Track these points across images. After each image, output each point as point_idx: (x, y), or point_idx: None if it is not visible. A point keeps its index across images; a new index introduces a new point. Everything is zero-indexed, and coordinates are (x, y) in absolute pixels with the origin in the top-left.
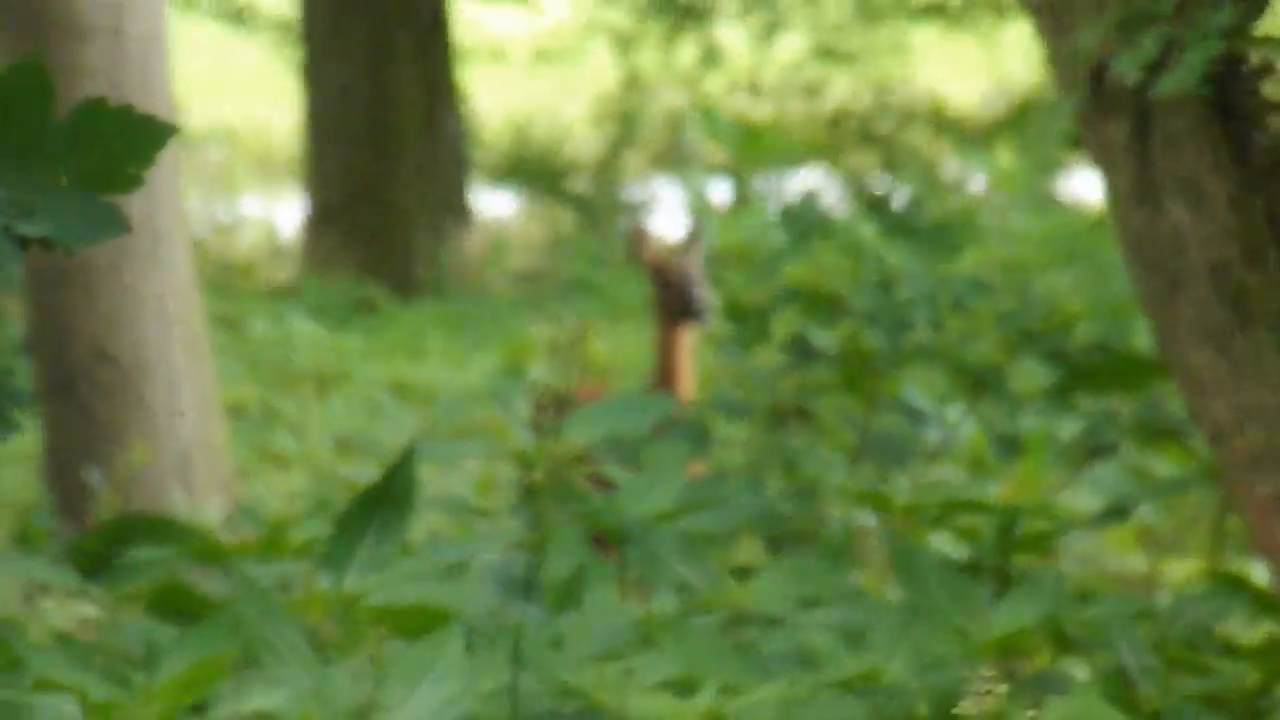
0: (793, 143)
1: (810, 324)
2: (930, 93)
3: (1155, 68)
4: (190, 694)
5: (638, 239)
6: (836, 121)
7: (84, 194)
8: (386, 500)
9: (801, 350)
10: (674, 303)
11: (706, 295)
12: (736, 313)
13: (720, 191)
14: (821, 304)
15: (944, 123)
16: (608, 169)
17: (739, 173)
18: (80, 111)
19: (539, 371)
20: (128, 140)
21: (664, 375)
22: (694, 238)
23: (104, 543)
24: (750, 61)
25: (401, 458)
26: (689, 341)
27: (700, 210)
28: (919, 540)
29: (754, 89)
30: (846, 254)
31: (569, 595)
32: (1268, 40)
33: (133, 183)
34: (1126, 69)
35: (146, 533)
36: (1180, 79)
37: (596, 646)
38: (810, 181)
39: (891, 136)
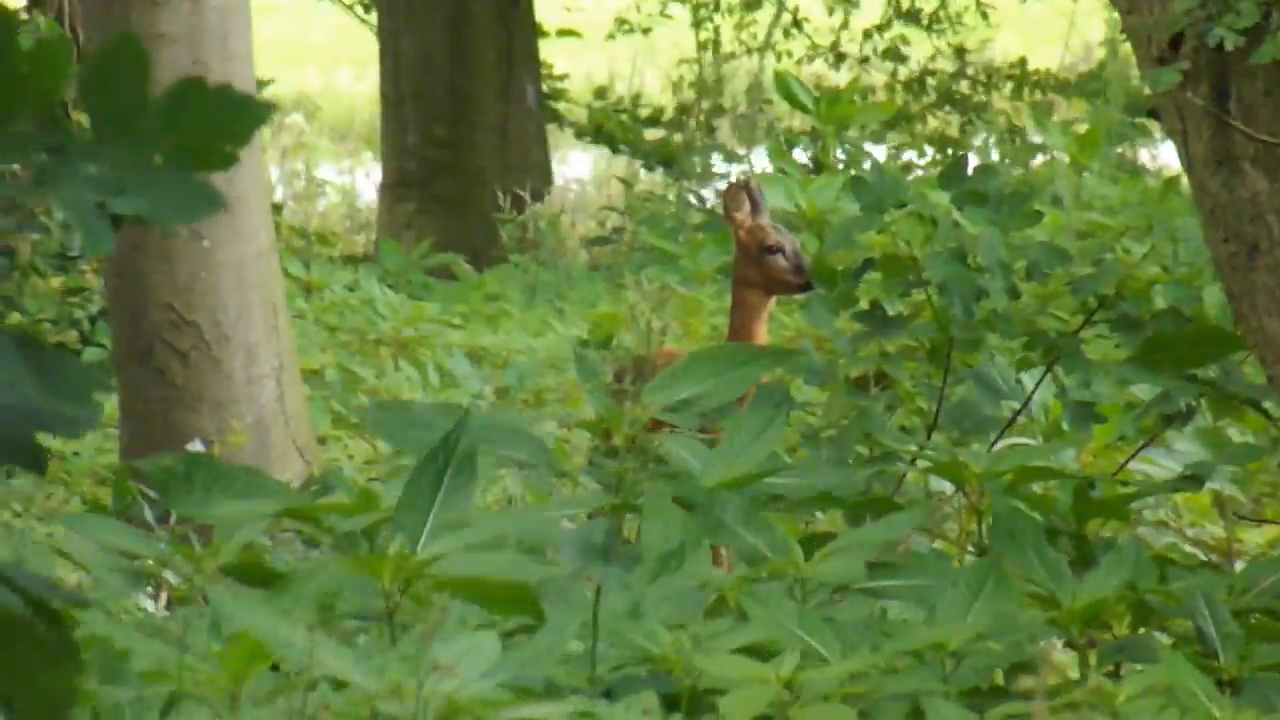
0: (871, 107)
1: (886, 291)
2: (1010, 55)
3: (1253, 35)
4: (264, 658)
5: (732, 199)
6: (916, 83)
7: (178, 172)
8: (450, 465)
9: (878, 318)
10: (782, 269)
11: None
12: (825, 276)
13: (800, 157)
14: (897, 271)
15: (1025, 78)
16: (686, 133)
17: (818, 138)
18: (176, 89)
19: (623, 338)
20: (224, 119)
21: (740, 342)
22: (756, 204)
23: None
24: (829, 27)
25: (456, 426)
26: (767, 308)
27: (775, 175)
28: (1016, 508)
29: (833, 54)
30: (921, 222)
31: (667, 563)
32: None
33: (228, 161)
34: (1225, 35)
35: (234, 485)
36: (1277, 48)
37: (674, 612)
38: (887, 149)
39: (970, 99)
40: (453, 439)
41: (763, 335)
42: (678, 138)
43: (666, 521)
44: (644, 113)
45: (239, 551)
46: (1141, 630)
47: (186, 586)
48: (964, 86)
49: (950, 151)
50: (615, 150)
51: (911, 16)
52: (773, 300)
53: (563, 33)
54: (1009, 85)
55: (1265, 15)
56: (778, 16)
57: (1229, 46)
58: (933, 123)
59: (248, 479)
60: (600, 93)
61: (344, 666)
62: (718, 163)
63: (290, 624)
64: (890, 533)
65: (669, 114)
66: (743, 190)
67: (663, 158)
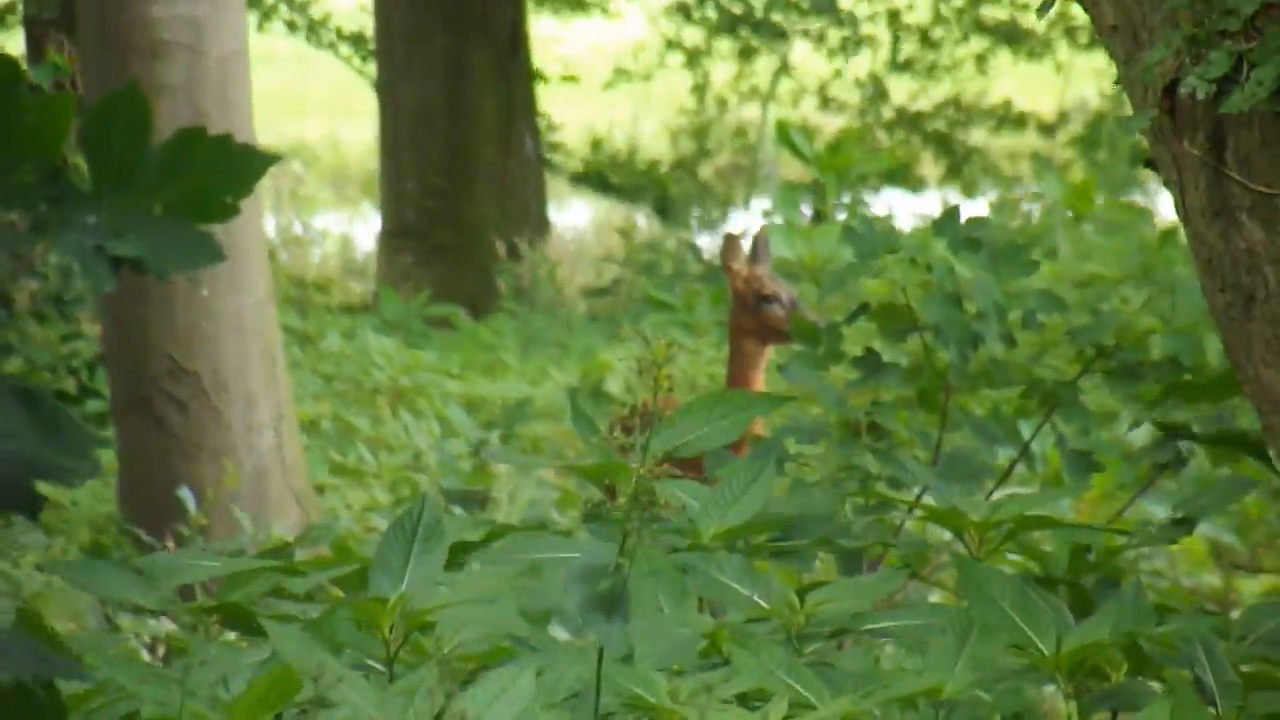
0: (871, 157)
1: (881, 338)
2: (1004, 99)
3: (1225, 84)
4: (266, 709)
5: (730, 249)
6: (908, 122)
7: (178, 221)
8: (418, 535)
9: (873, 365)
10: (779, 319)
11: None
12: (806, 333)
13: (795, 206)
14: (892, 318)
15: (1010, 118)
16: (682, 182)
17: (817, 187)
18: (177, 139)
19: (618, 389)
20: (225, 169)
21: (739, 389)
22: (759, 255)
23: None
24: (824, 75)
25: (419, 504)
26: (765, 357)
27: (778, 225)
28: (993, 558)
29: (825, 100)
30: (916, 268)
31: (650, 612)
32: None
33: (229, 212)
34: (1197, 85)
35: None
36: (1250, 95)
37: (667, 659)
38: (886, 199)
39: (951, 138)
40: (417, 510)
41: (760, 385)
42: (675, 189)
43: (658, 572)
44: (640, 164)
45: (240, 602)
46: (1140, 679)
47: (186, 636)
48: (942, 125)
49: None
50: (611, 195)
51: (906, 68)
52: (770, 350)
53: (564, 79)
54: (992, 123)
55: (1236, 65)
56: (779, 72)
57: (1200, 96)
58: (928, 170)
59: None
60: (597, 144)
61: (368, 702)
62: (717, 214)
63: (320, 653)
64: (886, 583)
65: (665, 166)
66: (739, 240)
67: (659, 205)
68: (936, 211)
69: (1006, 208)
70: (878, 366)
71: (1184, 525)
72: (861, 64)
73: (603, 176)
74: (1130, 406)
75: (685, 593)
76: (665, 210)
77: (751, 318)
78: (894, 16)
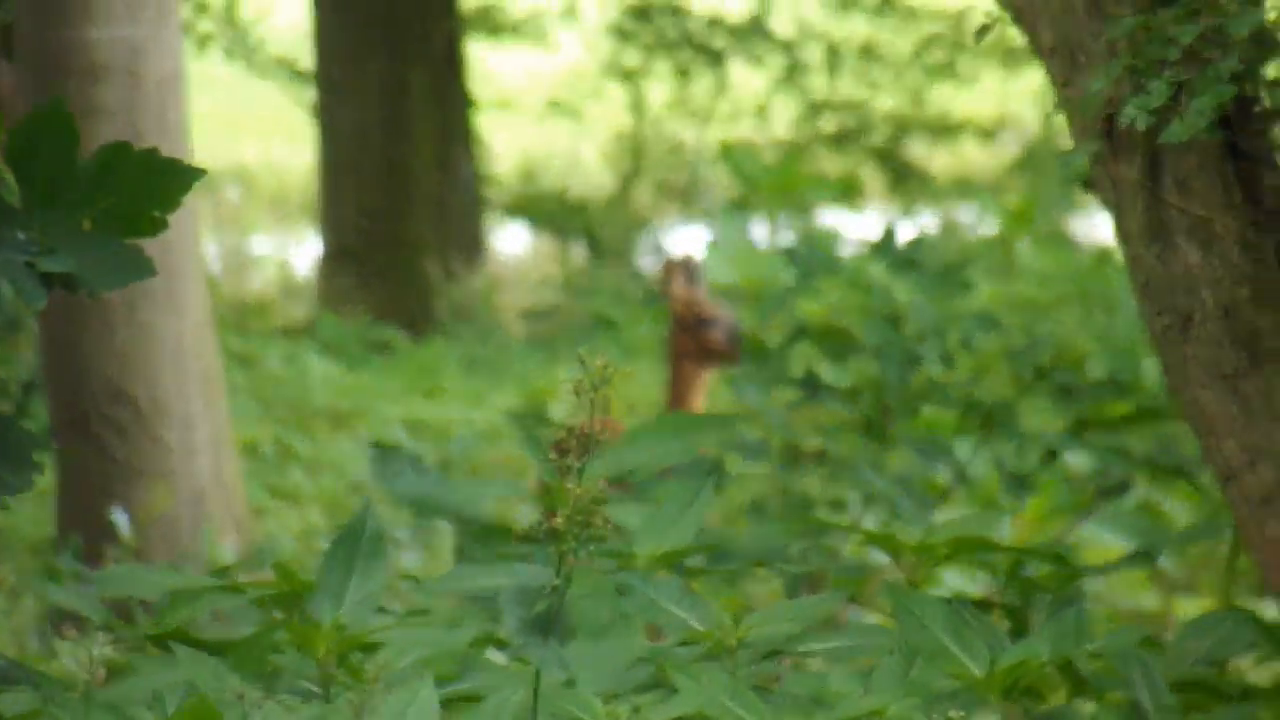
0: (816, 180)
1: (821, 360)
2: (942, 112)
3: (1164, 113)
4: None
5: (669, 273)
6: (848, 139)
7: (108, 238)
8: (359, 549)
9: (813, 387)
10: (717, 342)
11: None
12: (755, 351)
13: (739, 228)
14: (832, 340)
15: (956, 128)
16: (621, 206)
17: (758, 208)
18: (104, 154)
19: (560, 411)
20: (152, 184)
21: (679, 412)
22: (694, 278)
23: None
24: (761, 96)
25: (360, 514)
26: (705, 380)
27: (719, 247)
28: (930, 580)
29: (764, 119)
30: (856, 290)
31: (593, 636)
32: (1278, 82)
33: (157, 227)
34: (1136, 116)
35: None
36: (1190, 124)
37: (608, 684)
38: (827, 220)
39: (904, 159)
40: (359, 522)
41: (700, 407)
42: (610, 214)
43: (596, 595)
44: (573, 200)
45: (178, 623)
46: (1077, 701)
47: (123, 657)
48: (881, 140)
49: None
50: (543, 230)
51: (848, 108)
52: (708, 373)
53: (498, 105)
54: (931, 135)
55: (1175, 95)
56: (719, 91)
57: (1140, 126)
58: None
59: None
60: (529, 177)
61: None
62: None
63: (234, 679)
64: (823, 605)
65: (601, 193)
66: (678, 264)
67: (591, 243)
68: (878, 230)
69: (948, 229)
70: (818, 388)
71: (1142, 559)
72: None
73: (534, 211)
74: (1068, 429)
75: (625, 615)
76: (596, 248)
77: (691, 340)
78: (833, 51)
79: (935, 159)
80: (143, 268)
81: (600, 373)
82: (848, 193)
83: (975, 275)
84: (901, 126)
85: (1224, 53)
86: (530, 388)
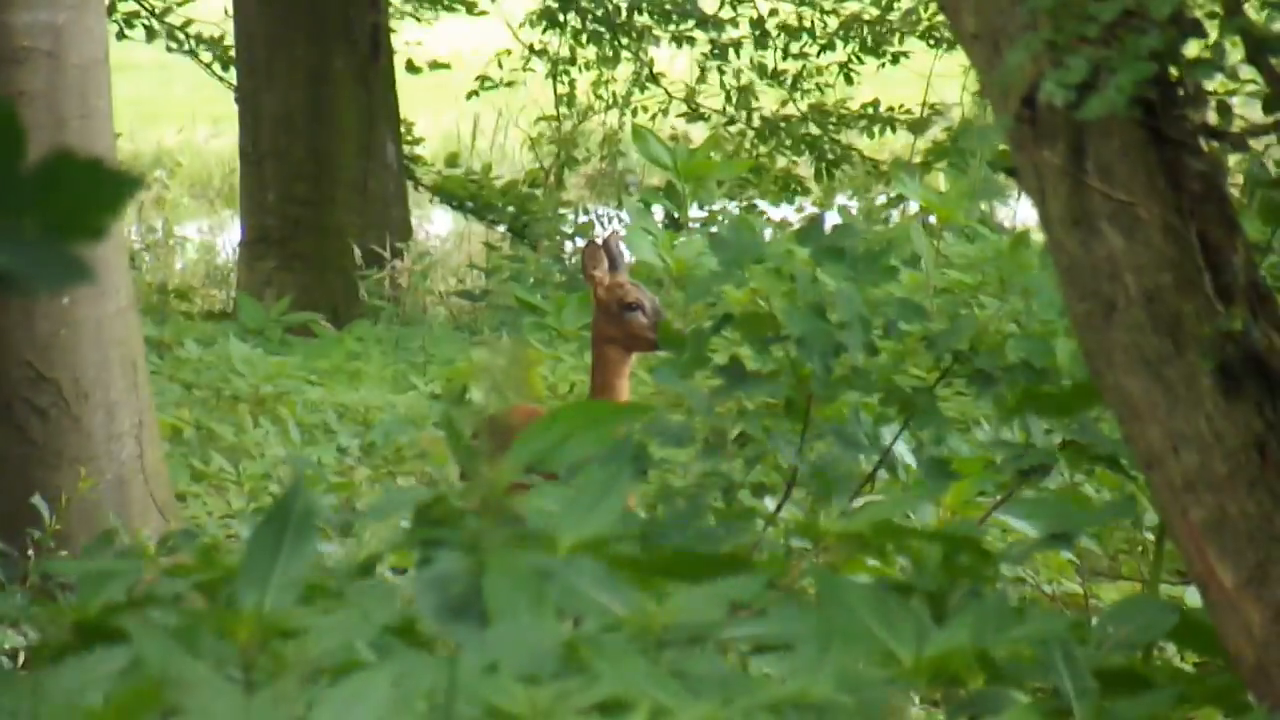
0: (728, 163)
1: (745, 347)
2: (872, 100)
3: (1085, 92)
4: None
5: (591, 257)
6: (769, 130)
7: (50, 240)
8: (290, 521)
9: (737, 374)
10: (642, 326)
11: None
12: (672, 339)
13: (658, 213)
14: (756, 327)
15: (878, 118)
16: (547, 190)
17: (676, 193)
18: (46, 162)
19: (476, 395)
20: (95, 192)
21: (602, 398)
22: (615, 261)
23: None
24: (684, 80)
25: (293, 483)
26: (628, 365)
27: (640, 231)
28: (854, 566)
29: (694, 109)
30: (779, 277)
31: (508, 614)
32: (1199, 62)
33: (97, 234)
34: (1054, 91)
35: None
36: (1108, 101)
37: (527, 668)
38: (744, 204)
39: (822, 140)
40: (290, 499)
41: (625, 392)
42: (534, 201)
43: (512, 578)
44: (498, 183)
45: (100, 609)
46: (1000, 688)
47: (45, 645)
48: (813, 129)
49: (794, 188)
50: (468, 216)
51: (774, 77)
52: (633, 357)
53: (434, 66)
54: (861, 124)
55: (1095, 72)
56: (638, 75)
57: (1058, 102)
58: (781, 161)
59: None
60: (452, 159)
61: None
62: (579, 224)
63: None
64: (743, 588)
65: (522, 184)
66: (601, 248)
67: (515, 227)
68: (802, 217)
69: (871, 213)
70: (742, 375)
71: (1059, 540)
72: (728, 71)
73: (459, 194)
74: (993, 413)
75: (544, 600)
76: (522, 233)
77: (615, 326)
78: (758, 23)
79: (860, 145)
80: (83, 272)
81: (513, 354)
82: (775, 179)
83: (897, 260)
84: (832, 116)
85: (1143, 31)
86: (447, 371)
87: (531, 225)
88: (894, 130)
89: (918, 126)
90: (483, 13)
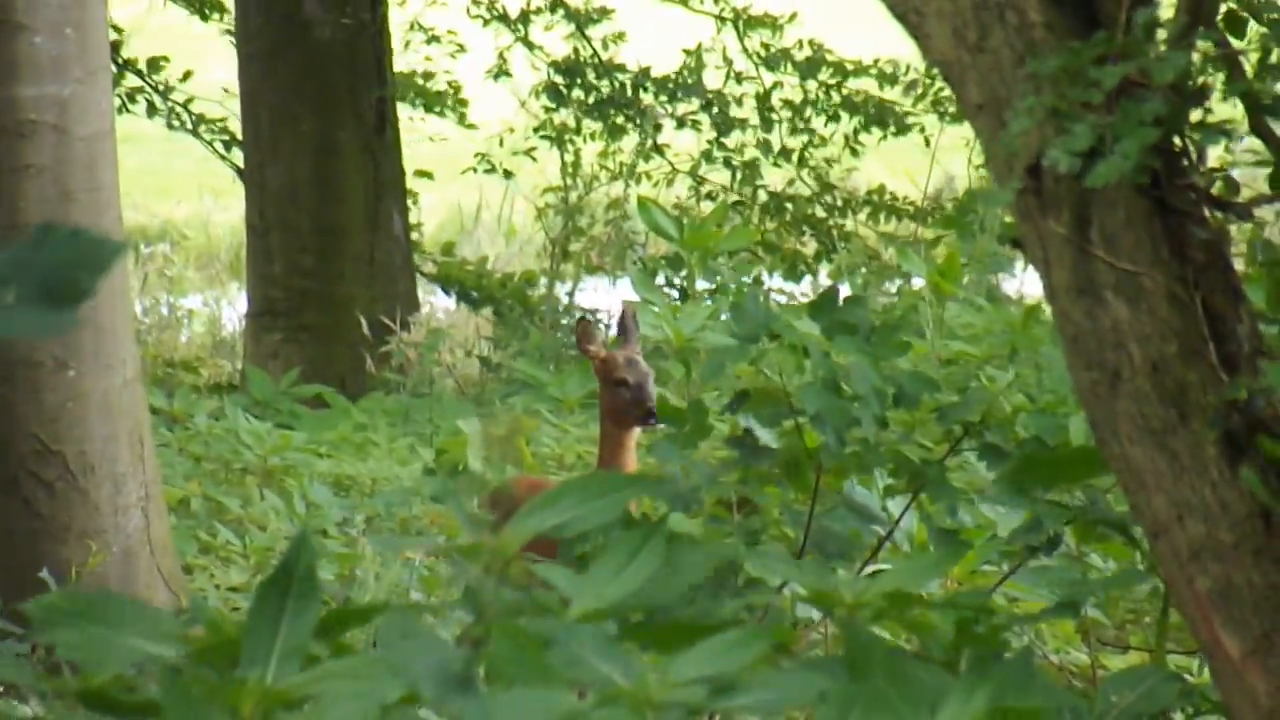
0: (734, 233)
1: (757, 421)
2: (872, 182)
3: (1090, 157)
4: None
5: (584, 333)
6: (774, 206)
7: (30, 306)
8: (291, 589)
9: (748, 448)
10: (627, 403)
11: (654, 395)
12: (671, 414)
13: (663, 285)
14: (769, 404)
15: (883, 205)
16: (550, 266)
17: (681, 265)
18: (36, 237)
19: (474, 465)
20: (79, 261)
21: (609, 469)
22: (628, 333)
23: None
24: (688, 152)
25: (295, 546)
26: (634, 438)
27: (643, 304)
28: (869, 632)
29: (699, 181)
30: (792, 352)
31: (515, 688)
32: (1205, 126)
33: (84, 295)
34: (1060, 158)
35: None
36: (1115, 167)
37: None
38: (757, 279)
39: (826, 223)
40: (292, 561)
41: (630, 464)
42: (531, 297)
43: (517, 646)
44: (496, 274)
45: (106, 681)
46: None
47: (55, 716)
48: (819, 210)
49: (800, 267)
50: (470, 306)
51: (781, 155)
52: (635, 431)
53: (419, 174)
54: (867, 210)
55: (1100, 139)
56: (643, 145)
57: (1063, 169)
58: (788, 243)
59: (121, 608)
60: (448, 249)
61: None
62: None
63: None
64: (754, 646)
65: (517, 277)
66: (592, 323)
67: (513, 316)
68: (810, 294)
69: (871, 286)
70: (754, 448)
71: (1066, 609)
72: (732, 143)
73: (461, 282)
74: (998, 486)
75: (549, 670)
76: (510, 324)
77: (607, 400)
78: (763, 99)
79: (867, 232)
80: (62, 325)
81: (511, 425)
82: (783, 256)
83: (906, 333)
84: (836, 197)
85: (1148, 97)
86: (447, 443)
87: (529, 309)
88: (899, 219)
89: (922, 217)
90: (472, 125)
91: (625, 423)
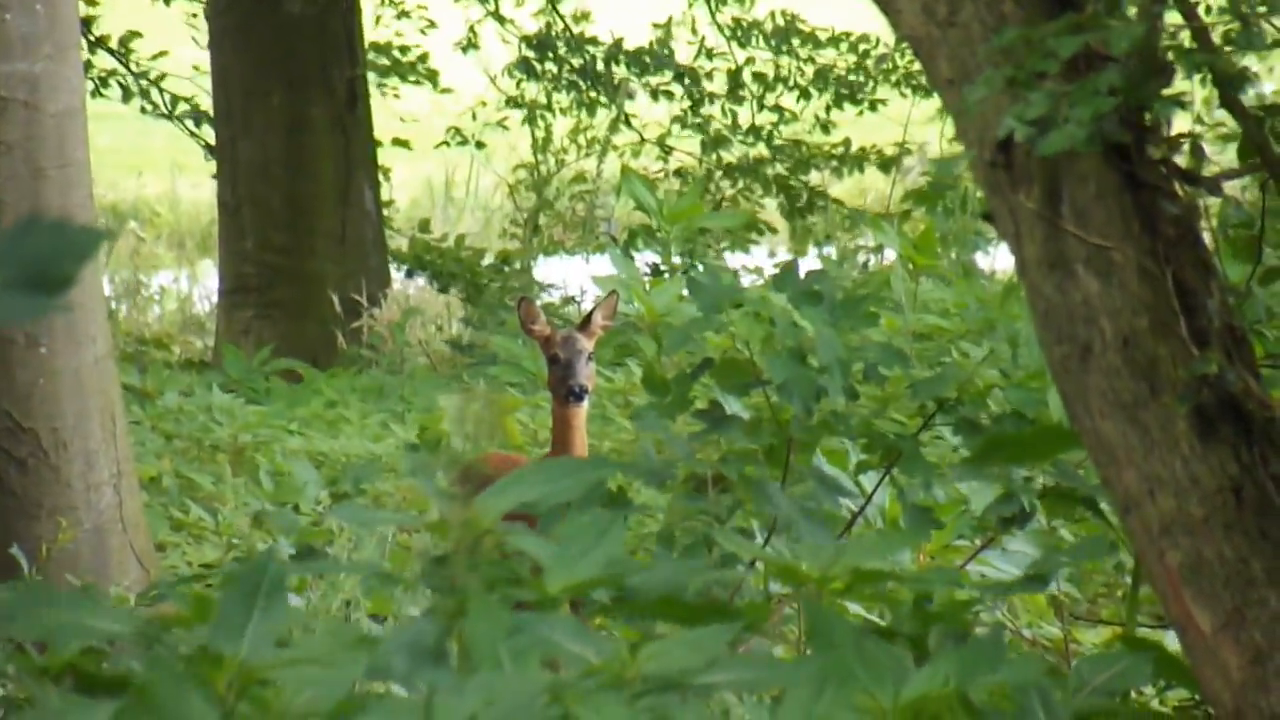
0: (721, 215)
1: (725, 392)
2: (844, 139)
3: (1047, 127)
4: None
5: (526, 313)
6: (749, 170)
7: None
8: (262, 588)
9: (717, 418)
10: (557, 380)
11: (588, 374)
12: (653, 384)
13: (639, 260)
14: (736, 373)
15: (849, 158)
16: (523, 242)
17: (658, 238)
18: (16, 231)
19: (451, 441)
20: (60, 251)
21: (559, 448)
22: (606, 307)
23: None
24: (656, 122)
25: (261, 558)
26: (580, 414)
27: (619, 279)
28: (832, 610)
29: (666, 150)
30: (759, 322)
31: (487, 663)
32: (1161, 99)
33: (64, 286)
34: (1015, 127)
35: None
36: (1068, 135)
37: (509, 717)
38: (728, 257)
39: (807, 185)
40: (260, 567)
41: (577, 441)
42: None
43: (492, 623)
44: (465, 253)
45: (75, 657)
46: None
47: (24, 695)
48: (781, 169)
49: (758, 229)
50: (439, 287)
51: (750, 132)
52: (582, 408)
53: (396, 143)
54: (832, 163)
55: (1057, 108)
56: (615, 121)
57: (1019, 138)
58: (744, 203)
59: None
60: (424, 225)
61: None
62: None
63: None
64: (721, 634)
65: (490, 255)
66: (534, 302)
67: (488, 297)
68: (775, 264)
69: (846, 259)
70: (721, 419)
71: (1035, 582)
72: (702, 121)
73: (426, 263)
74: (969, 464)
75: (520, 651)
76: (479, 304)
77: (550, 377)
78: (734, 74)
79: (837, 188)
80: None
81: (485, 400)
82: (748, 225)
83: (876, 306)
84: (803, 156)
85: (1106, 67)
86: (422, 419)
87: (498, 291)
88: (863, 170)
89: (888, 165)
90: (446, 90)
91: (555, 397)
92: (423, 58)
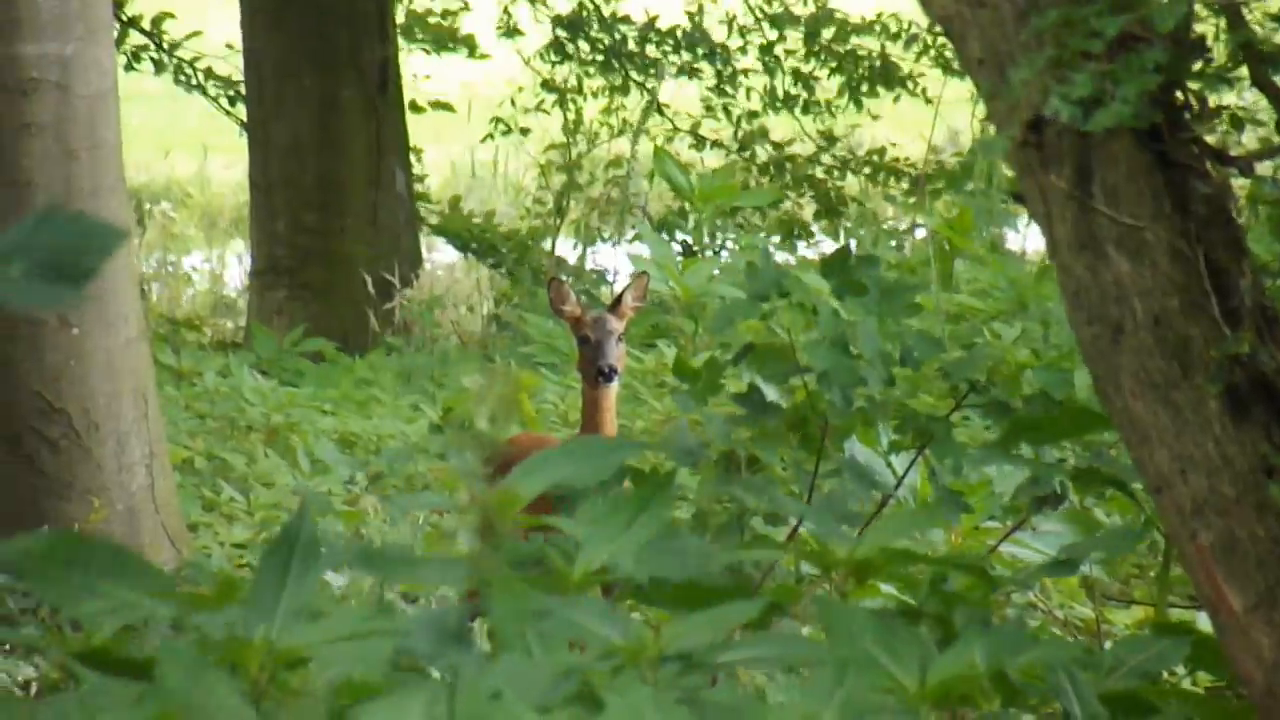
0: (751, 193)
1: (765, 379)
2: (875, 142)
3: (1090, 107)
4: None
5: (557, 294)
6: (774, 165)
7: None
8: (296, 550)
9: (756, 404)
10: (586, 361)
11: (618, 355)
12: (685, 371)
13: (671, 242)
14: (776, 361)
15: (884, 165)
16: (551, 224)
17: (689, 221)
18: (36, 223)
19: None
20: (79, 245)
21: (589, 428)
22: (637, 288)
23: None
24: (688, 112)
25: (298, 512)
26: (609, 395)
27: (654, 260)
28: (866, 592)
29: (700, 140)
30: (801, 310)
31: (513, 645)
32: (1205, 75)
33: (86, 277)
34: (1060, 107)
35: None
36: (1115, 113)
37: (535, 698)
38: (764, 238)
39: (826, 184)
40: (295, 527)
41: (607, 423)
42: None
43: (516, 605)
44: (501, 227)
45: (108, 638)
46: (1010, 710)
47: (58, 674)
48: (819, 172)
49: (796, 231)
50: (471, 256)
51: (785, 103)
52: (612, 388)
53: (436, 106)
54: (867, 170)
55: (1100, 88)
56: (649, 105)
57: (1064, 118)
58: (785, 205)
59: (114, 559)
60: (455, 202)
61: None
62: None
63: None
64: (745, 612)
65: (526, 235)
66: (565, 284)
67: (519, 272)
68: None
69: (880, 241)
70: (762, 404)
71: (1067, 566)
72: (735, 98)
73: (462, 236)
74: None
75: (544, 634)
76: (516, 279)
77: (579, 359)
78: (768, 49)
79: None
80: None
81: (509, 381)
82: (788, 222)
83: (917, 292)
84: (838, 157)
85: (1150, 45)
86: (453, 400)
87: (532, 266)
88: (898, 180)
89: (918, 182)
90: (484, 55)
91: (586, 379)
92: (454, 29)
